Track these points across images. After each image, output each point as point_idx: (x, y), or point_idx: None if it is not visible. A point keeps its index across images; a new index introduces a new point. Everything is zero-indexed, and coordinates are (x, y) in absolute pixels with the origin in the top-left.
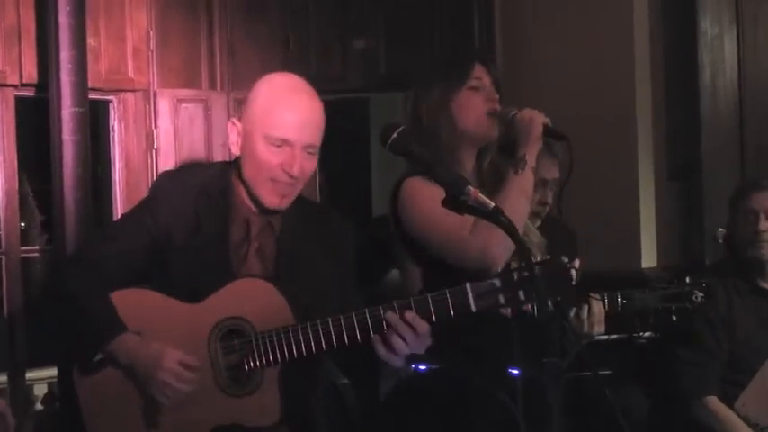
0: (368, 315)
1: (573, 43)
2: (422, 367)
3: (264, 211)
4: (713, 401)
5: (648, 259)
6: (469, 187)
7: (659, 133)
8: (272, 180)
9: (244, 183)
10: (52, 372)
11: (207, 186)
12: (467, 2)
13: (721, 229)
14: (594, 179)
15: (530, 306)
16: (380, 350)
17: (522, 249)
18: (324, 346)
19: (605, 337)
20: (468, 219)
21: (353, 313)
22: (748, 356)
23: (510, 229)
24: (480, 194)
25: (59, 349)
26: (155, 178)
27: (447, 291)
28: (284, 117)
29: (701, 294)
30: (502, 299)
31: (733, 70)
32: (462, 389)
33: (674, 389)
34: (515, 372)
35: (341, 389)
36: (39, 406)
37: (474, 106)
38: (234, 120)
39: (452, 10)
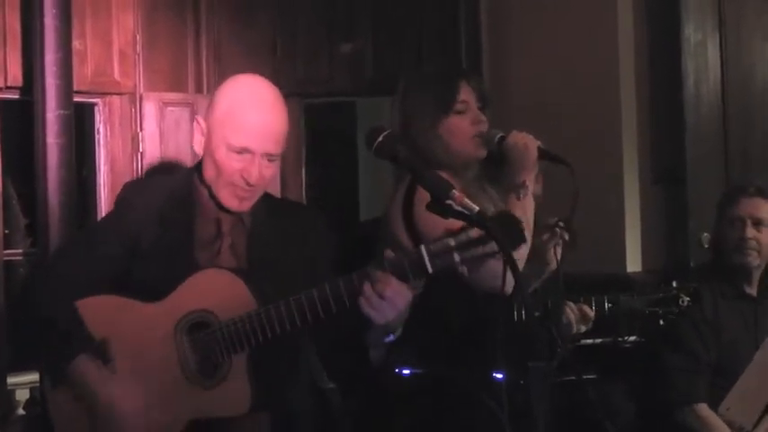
0: (319, 292)
1: (558, 48)
2: (406, 372)
3: (228, 210)
4: (703, 409)
5: (633, 263)
6: (454, 191)
7: (644, 138)
8: (231, 184)
9: (207, 182)
10: (34, 377)
11: (172, 190)
12: (453, 6)
13: (706, 234)
14: (579, 184)
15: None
16: (364, 306)
17: (507, 261)
18: (286, 326)
19: (591, 341)
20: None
21: (306, 292)
22: (734, 361)
23: (495, 233)
24: (465, 199)
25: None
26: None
27: (403, 254)
28: (245, 125)
29: (688, 299)
30: (457, 257)
31: (717, 76)
32: (447, 393)
33: (662, 395)
34: (500, 376)
35: (327, 393)
36: (21, 411)
37: (461, 131)
38: (199, 118)
39: (439, 13)
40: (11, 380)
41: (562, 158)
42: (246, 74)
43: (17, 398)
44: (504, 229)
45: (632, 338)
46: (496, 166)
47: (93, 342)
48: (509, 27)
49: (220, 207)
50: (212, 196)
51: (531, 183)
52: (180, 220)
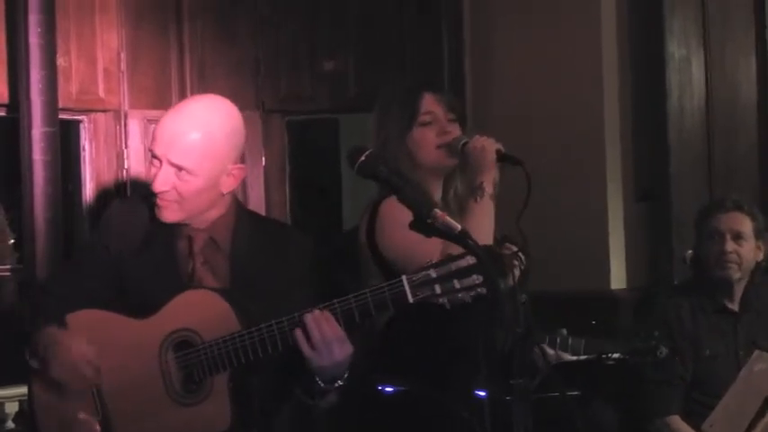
0: (286, 321)
1: (541, 65)
2: (388, 389)
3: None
4: (675, 420)
5: (617, 281)
6: (436, 210)
7: (627, 155)
8: (153, 192)
9: None
10: (23, 390)
11: (153, 209)
12: (436, 22)
13: (690, 251)
14: (562, 201)
15: (468, 298)
16: (303, 347)
17: (488, 271)
18: (265, 351)
19: (574, 358)
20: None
21: (285, 318)
22: (713, 375)
23: (477, 252)
24: (447, 217)
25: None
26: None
27: (384, 283)
28: (157, 132)
29: (666, 350)
30: (438, 288)
31: (700, 93)
32: (428, 410)
33: (637, 407)
34: (482, 393)
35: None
36: (10, 424)
37: (426, 142)
38: None
39: (422, 29)
40: (0, 392)
41: (519, 160)
42: (203, 93)
43: (6, 410)
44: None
45: (615, 356)
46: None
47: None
48: (492, 43)
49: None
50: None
51: (490, 185)
52: (161, 236)
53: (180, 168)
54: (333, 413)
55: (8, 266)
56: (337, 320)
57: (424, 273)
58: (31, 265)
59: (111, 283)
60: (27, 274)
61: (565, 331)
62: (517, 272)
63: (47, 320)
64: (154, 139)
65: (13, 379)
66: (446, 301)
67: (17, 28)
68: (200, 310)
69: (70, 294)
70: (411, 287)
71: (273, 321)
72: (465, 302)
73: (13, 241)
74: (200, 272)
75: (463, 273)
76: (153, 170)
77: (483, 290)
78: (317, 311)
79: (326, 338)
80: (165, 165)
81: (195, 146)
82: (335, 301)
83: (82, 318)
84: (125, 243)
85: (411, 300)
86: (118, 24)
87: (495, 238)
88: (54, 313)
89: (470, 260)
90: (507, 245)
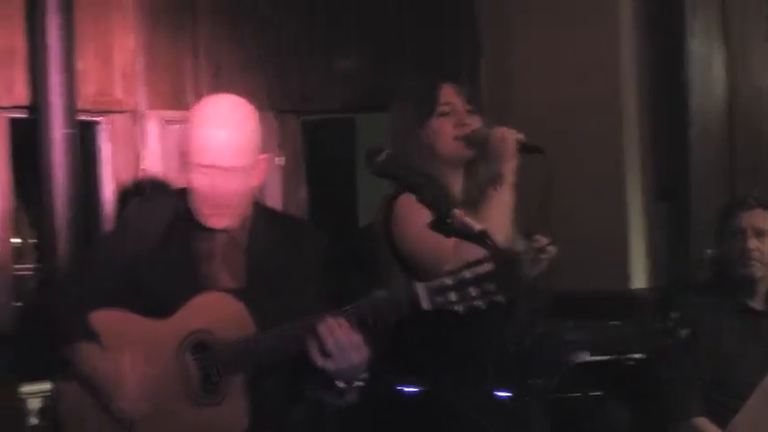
0: (301, 325)
1: (559, 63)
2: (407, 390)
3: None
4: (703, 423)
5: (638, 280)
6: (455, 210)
7: (647, 153)
8: (204, 203)
9: (192, 205)
10: (46, 386)
11: (173, 207)
12: (454, 20)
13: (709, 250)
14: (581, 200)
15: (481, 304)
16: (315, 356)
17: (507, 274)
18: (280, 354)
19: (595, 358)
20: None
21: (298, 322)
22: (736, 376)
23: (497, 251)
24: (466, 217)
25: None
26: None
27: (397, 291)
28: (205, 143)
29: (687, 331)
30: (454, 296)
31: (722, 90)
32: (446, 411)
33: (657, 408)
34: (503, 394)
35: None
36: (33, 420)
37: (444, 132)
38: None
39: (439, 27)
40: (23, 389)
41: (539, 148)
42: (211, 95)
43: (29, 406)
44: (501, 274)
45: (636, 356)
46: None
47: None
48: (509, 39)
49: (205, 226)
50: (199, 216)
51: (509, 174)
52: (179, 236)
53: (232, 170)
54: (345, 413)
55: (29, 266)
56: (352, 326)
57: (440, 280)
58: (51, 265)
59: (127, 284)
60: (47, 273)
61: None
62: (545, 265)
63: (79, 333)
64: (199, 151)
65: (36, 376)
66: (461, 308)
67: (36, 31)
68: (216, 311)
69: (87, 294)
70: (427, 294)
71: (289, 324)
72: (480, 309)
73: (33, 241)
74: (218, 272)
75: (479, 280)
76: (203, 181)
77: (500, 298)
78: (330, 319)
79: (341, 345)
80: (217, 171)
81: (241, 144)
82: (350, 306)
83: (100, 318)
84: (142, 243)
85: (427, 307)
86: (134, 27)
87: (527, 232)
88: (85, 327)
89: (487, 267)
90: (536, 237)
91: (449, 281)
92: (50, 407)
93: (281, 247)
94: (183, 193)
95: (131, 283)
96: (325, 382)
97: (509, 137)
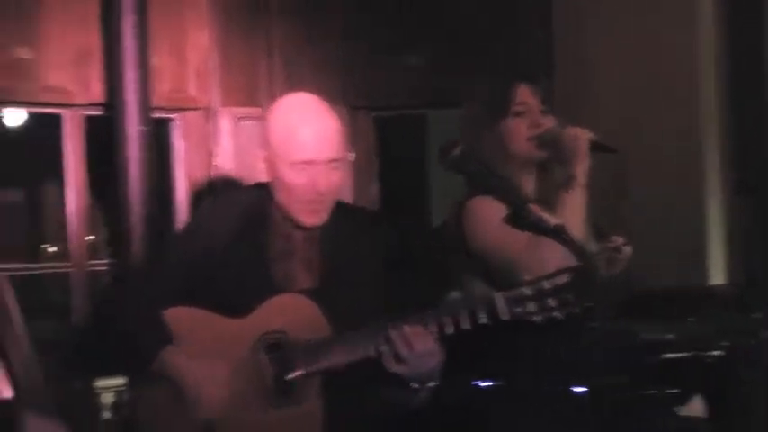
0: (380, 331)
1: (635, 58)
2: (484, 384)
3: (303, 227)
4: None
5: (716, 276)
6: (530, 205)
7: (725, 148)
8: (303, 201)
9: (279, 205)
10: (120, 381)
11: (247, 205)
12: (524, 15)
13: None
14: (659, 196)
15: (560, 314)
16: (388, 362)
17: (585, 284)
18: (356, 356)
19: (673, 355)
20: (530, 239)
21: (374, 327)
22: None
23: (573, 247)
24: (542, 212)
25: (127, 359)
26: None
27: (477, 298)
28: (302, 139)
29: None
30: (533, 306)
31: None
32: (526, 405)
33: (739, 408)
34: (581, 389)
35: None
36: (106, 414)
37: (518, 133)
38: (258, 150)
39: (511, 22)
40: (97, 384)
41: (612, 148)
42: (288, 94)
43: (103, 401)
44: (582, 285)
45: (716, 353)
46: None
47: (170, 337)
48: (585, 36)
49: (296, 225)
50: (286, 216)
51: (582, 175)
52: (253, 234)
53: (331, 164)
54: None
55: (104, 261)
56: (428, 333)
57: (519, 290)
58: (125, 261)
59: (201, 281)
60: (121, 269)
61: None
62: (621, 265)
63: (153, 331)
64: (295, 147)
65: (110, 370)
66: (540, 318)
67: (112, 29)
68: (292, 312)
69: (160, 291)
70: (506, 304)
71: (365, 333)
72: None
73: (106, 237)
74: (295, 269)
75: (558, 291)
76: (304, 179)
77: (578, 309)
78: (406, 328)
79: (417, 354)
80: (322, 166)
81: (336, 138)
82: (428, 313)
83: (174, 315)
84: (216, 241)
85: (505, 317)
86: (208, 24)
87: (601, 232)
88: (159, 325)
89: (565, 278)
90: (612, 238)
91: (528, 291)
92: (125, 403)
93: (354, 242)
94: (257, 190)
95: (205, 281)
96: (397, 382)
97: (581, 137)
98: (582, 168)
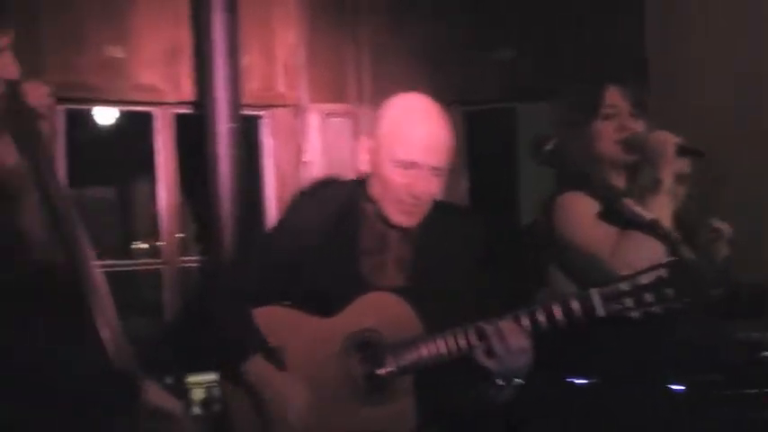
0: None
1: (727, 50)
2: (579, 381)
3: (395, 226)
4: None
5: None
6: (626, 199)
7: None
8: (398, 200)
9: (373, 200)
10: (211, 377)
11: (340, 203)
12: (613, 8)
13: None
14: (758, 198)
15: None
16: (479, 356)
17: (685, 278)
18: (449, 356)
19: None
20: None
21: (467, 326)
22: None
23: (669, 241)
24: (637, 206)
25: (218, 355)
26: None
27: (573, 295)
28: (411, 140)
29: None
30: (630, 302)
31: None
32: (620, 403)
33: None
34: (677, 388)
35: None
36: (196, 410)
37: (606, 135)
38: (363, 137)
39: (599, 15)
40: (188, 379)
41: (700, 152)
42: (410, 92)
43: (193, 397)
44: (681, 280)
45: None
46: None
47: (269, 346)
48: (675, 31)
49: (387, 223)
50: (379, 212)
51: (668, 180)
52: (345, 231)
53: (436, 169)
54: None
55: (195, 257)
56: (523, 330)
57: (614, 286)
58: (216, 257)
59: (292, 278)
60: (212, 265)
61: None
62: (724, 250)
63: (251, 341)
64: (407, 148)
65: (201, 367)
66: (637, 314)
67: (202, 28)
68: (384, 311)
69: (251, 291)
70: (602, 301)
71: (458, 329)
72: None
73: (195, 234)
74: (388, 267)
75: (656, 285)
76: (404, 179)
77: (677, 305)
78: (502, 323)
79: (510, 350)
80: (426, 170)
81: (449, 144)
82: (522, 310)
83: (269, 314)
84: (308, 238)
85: (601, 314)
86: (296, 21)
87: (704, 223)
88: (257, 334)
89: (663, 273)
90: (715, 225)
91: (624, 286)
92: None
93: (446, 240)
94: (348, 186)
95: (296, 278)
96: (484, 377)
97: (668, 140)
98: (668, 171)
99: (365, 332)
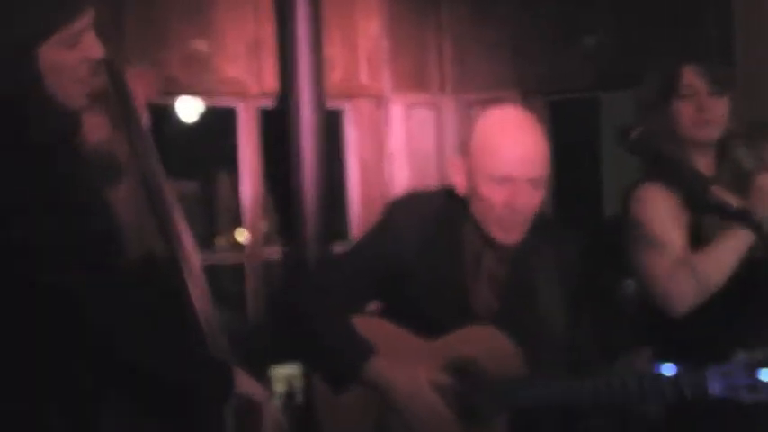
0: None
1: None
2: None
3: (496, 244)
4: None
5: None
6: (713, 186)
7: None
8: (498, 217)
9: (472, 217)
10: (292, 370)
11: (437, 216)
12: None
13: None
14: None
15: None
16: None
17: None
18: (551, 402)
19: None
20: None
21: (579, 382)
22: None
23: (761, 233)
24: (725, 195)
25: (301, 349)
26: (387, 199)
27: (684, 376)
28: (504, 154)
29: None
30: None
31: None
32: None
33: None
34: None
35: None
36: (278, 402)
37: (684, 115)
38: (454, 159)
39: (684, 3)
40: (271, 372)
41: None
42: (498, 106)
43: (275, 390)
44: None
45: None
46: None
47: (373, 347)
48: (765, 11)
49: (486, 241)
50: (478, 230)
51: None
52: (445, 244)
53: (535, 180)
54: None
55: (278, 249)
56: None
57: (730, 365)
58: (300, 249)
59: (385, 282)
60: (296, 257)
61: None
62: None
63: (362, 351)
64: (501, 162)
65: (283, 360)
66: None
67: (285, 20)
68: (486, 343)
69: (342, 297)
70: (719, 380)
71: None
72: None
73: (278, 227)
74: (483, 289)
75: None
76: (501, 195)
77: None
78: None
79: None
80: (523, 183)
81: (544, 153)
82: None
83: (367, 325)
84: (407, 250)
85: (714, 393)
86: (378, 12)
87: None
88: (365, 344)
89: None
90: None
91: (740, 365)
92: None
93: (540, 259)
94: (447, 195)
95: (391, 287)
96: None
97: None
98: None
99: (464, 360)
